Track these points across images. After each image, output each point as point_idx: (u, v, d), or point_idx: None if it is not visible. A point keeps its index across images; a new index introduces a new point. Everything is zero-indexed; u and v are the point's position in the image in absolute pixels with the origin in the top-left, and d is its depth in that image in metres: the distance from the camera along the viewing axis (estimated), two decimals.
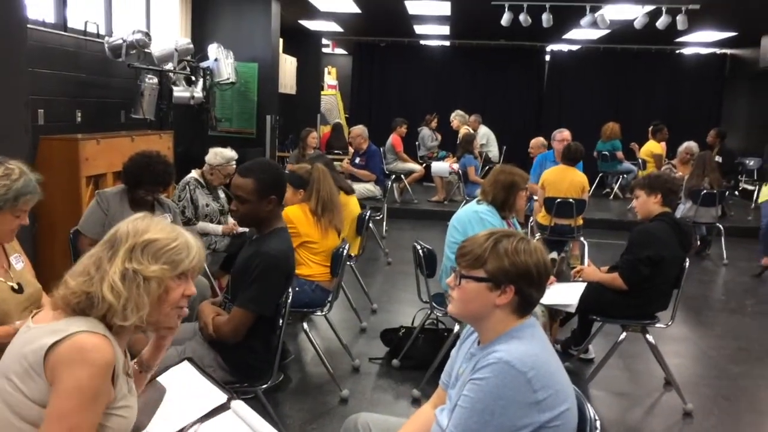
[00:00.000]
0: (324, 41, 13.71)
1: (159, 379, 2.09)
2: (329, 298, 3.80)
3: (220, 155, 4.72)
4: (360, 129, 7.77)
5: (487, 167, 9.49)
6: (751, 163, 10.60)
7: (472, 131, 9.67)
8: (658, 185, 3.73)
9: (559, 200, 5.94)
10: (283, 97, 9.67)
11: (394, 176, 9.32)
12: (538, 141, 8.09)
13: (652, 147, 9.46)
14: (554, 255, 6.03)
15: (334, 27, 11.45)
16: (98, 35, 5.94)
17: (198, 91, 7.03)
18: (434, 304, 3.82)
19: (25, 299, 2.30)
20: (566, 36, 10.90)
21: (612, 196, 10.55)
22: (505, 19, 8.49)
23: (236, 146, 4.98)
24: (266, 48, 8.33)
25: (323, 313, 3.78)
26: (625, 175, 10.37)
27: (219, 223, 4.72)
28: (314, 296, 3.74)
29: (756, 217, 8.46)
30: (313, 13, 9.84)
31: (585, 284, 3.72)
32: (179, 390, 2.04)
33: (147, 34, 5.90)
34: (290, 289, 2.75)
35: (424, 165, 10.06)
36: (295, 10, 9.60)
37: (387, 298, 5.41)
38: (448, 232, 3.88)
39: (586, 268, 3.88)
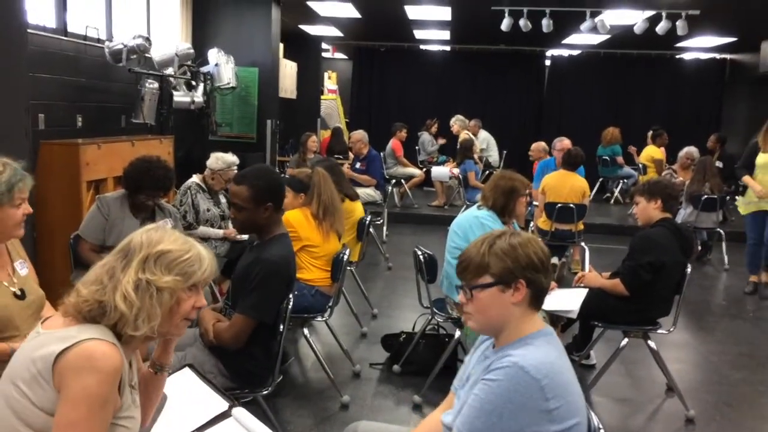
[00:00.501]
0: (324, 46, 13.73)
1: None
2: (330, 304, 3.79)
3: (222, 160, 4.71)
4: (360, 134, 7.77)
5: (488, 172, 9.50)
6: None
7: (472, 136, 9.67)
8: (658, 191, 3.72)
9: (559, 205, 5.93)
10: (283, 102, 9.68)
11: (394, 181, 9.32)
12: (539, 145, 8.09)
13: (653, 152, 9.46)
14: (555, 260, 6.03)
15: (334, 32, 11.47)
16: (99, 40, 5.94)
17: (198, 96, 7.03)
18: (435, 310, 3.81)
19: (28, 306, 2.29)
20: (566, 41, 10.91)
21: (612, 201, 10.55)
22: (505, 25, 8.50)
23: (237, 151, 4.98)
24: (266, 53, 8.33)
25: (324, 318, 3.77)
26: (625, 180, 10.38)
27: (219, 228, 4.71)
28: (314, 301, 3.73)
29: None
30: (314, 18, 9.85)
31: (586, 290, 3.71)
32: (181, 397, 2.04)
33: (147, 39, 5.91)
34: (291, 295, 2.74)
35: (424, 170, 10.06)
36: (296, 15, 9.62)
37: (387, 304, 5.40)
38: (448, 237, 3.87)
39: (587, 274, 3.87)
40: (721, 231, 7.09)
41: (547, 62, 12.74)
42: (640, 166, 9.56)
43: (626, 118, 11.71)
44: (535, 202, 6.24)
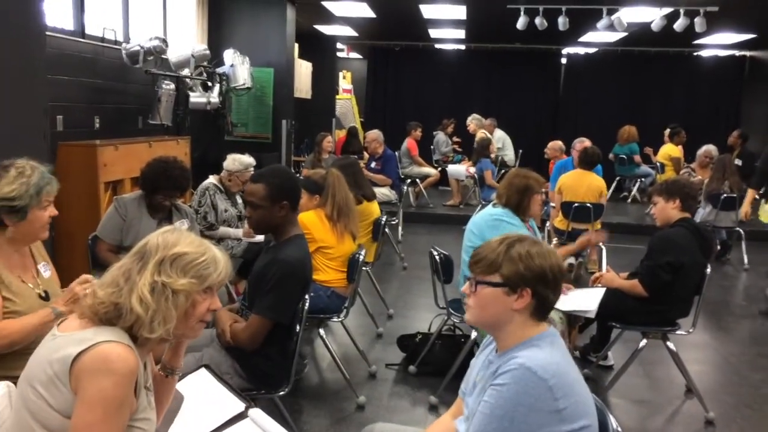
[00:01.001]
0: (339, 45, 13.74)
1: (177, 386, 2.10)
2: (345, 304, 3.79)
3: (239, 161, 4.73)
4: (376, 133, 7.77)
5: (503, 171, 9.45)
6: None
7: (489, 135, 9.63)
8: (676, 190, 3.68)
9: (576, 205, 5.88)
10: (298, 102, 9.70)
11: (409, 180, 9.31)
12: (555, 144, 8.05)
13: (670, 150, 9.36)
14: (572, 260, 5.99)
15: (349, 31, 11.47)
16: (116, 42, 5.99)
17: (214, 97, 7.07)
18: (451, 310, 3.80)
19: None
20: (582, 39, 10.84)
21: (630, 200, 10.46)
22: (521, 23, 8.45)
23: (252, 151, 5.00)
24: (282, 53, 8.36)
25: (340, 319, 3.77)
26: (642, 179, 10.28)
27: (237, 228, 4.73)
28: (330, 302, 3.73)
29: None
30: (329, 18, 9.86)
31: (604, 290, 3.68)
32: (197, 398, 2.04)
33: (164, 41, 5.95)
34: (307, 296, 2.74)
35: (439, 169, 10.04)
36: (311, 15, 9.63)
37: (403, 304, 5.39)
38: (465, 236, 3.86)
39: (605, 274, 3.83)
40: (741, 230, 7.00)
41: (563, 60, 12.65)
42: (658, 164, 9.46)
43: (643, 116, 11.60)
44: (551, 203, 6.20)
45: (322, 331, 3.74)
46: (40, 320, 2.17)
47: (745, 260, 6.98)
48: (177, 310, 1.56)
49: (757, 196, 6.29)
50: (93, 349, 1.46)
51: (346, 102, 13.46)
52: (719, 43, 10.90)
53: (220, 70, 7.33)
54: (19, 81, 3.57)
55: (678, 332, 3.65)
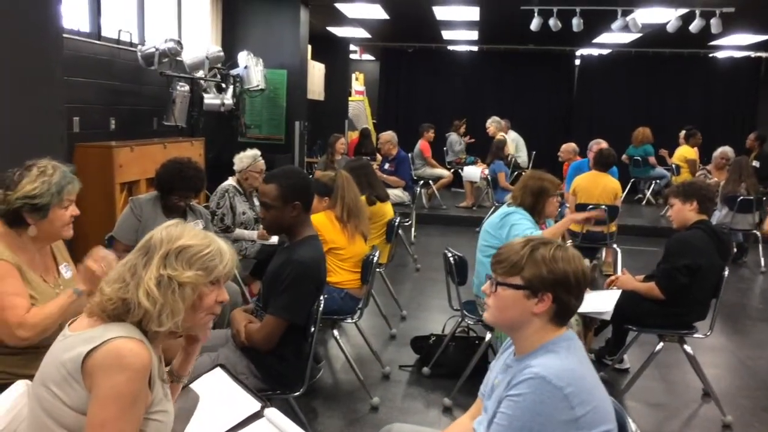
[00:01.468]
0: (352, 47, 13.76)
1: (192, 386, 2.10)
2: (359, 306, 3.79)
3: (245, 157, 4.76)
4: (389, 135, 7.77)
5: (516, 173, 9.42)
6: None
7: (505, 137, 9.59)
8: (693, 192, 3.64)
9: (591, 207, 5.84)
10: (311, 104, 9.73)
11: (422, 182, 9.29)
12: (569, 146, 8.01)
13: (686, 152, 9.29)
14: (586, 262, 5.95)
15: (362, 33, 11.49)
16: (131, 44, 6.03)
17: (228, 98, 7.10)
18: (465, 312, 3.78)
19: (72, 308, 2.32)
20: (597, 40, 10.78)
21: (644, 202, 10.39)
22: (535, 24, 8.43)
23: (265, 152, 5.01)
24: (295, 55, 8.39)
25: (353, 320, 3.77)
26: (657, 181, 10.21)
27: (253, 230, 4.74)
28: (343, 304, 3.73)
29: None
30: (342, 19, 9.88)
31: (619, 292, 3.66)
32: (213, 397, 2.04)
33: (179, 43, 5.98)
34: (321, 297, 2.74)
35: (452, 170, 10.02)
36: (324, 17, 9.66)
37: (416, 305, 5.38)
38: (480, 236, 3.85)
39: (621, 277, 3.80)
40: (758, 233, 6.93)
41: (577, 62, 12.59)
42: (673, 166, 9.39)
43: (658, 118, 11.52)
44: (566, 205, 6.17)
45: (335, 332, 3.74)
46: (64, 302, 2.19)
47: (762, 263, 6.91)
48: (184, 302, 1.57)
49: None
50: (104, 345, 1.47)
51: (358, 104, 13.48)
52: (735, 44, 10.80)
53: (233, 71, 7.37)
54: (37, 83, 3.60)
55: (695, 335, 3.61)
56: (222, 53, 6.91)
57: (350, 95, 13.56)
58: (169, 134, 6.33)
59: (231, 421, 1.90)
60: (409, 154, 8.74)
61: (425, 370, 4.00)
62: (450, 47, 12.69)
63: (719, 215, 6.81)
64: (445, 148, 10.67)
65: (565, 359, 1.64)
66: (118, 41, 5.86)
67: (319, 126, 10.71)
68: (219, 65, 7.02)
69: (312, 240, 2.77)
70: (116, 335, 1.48)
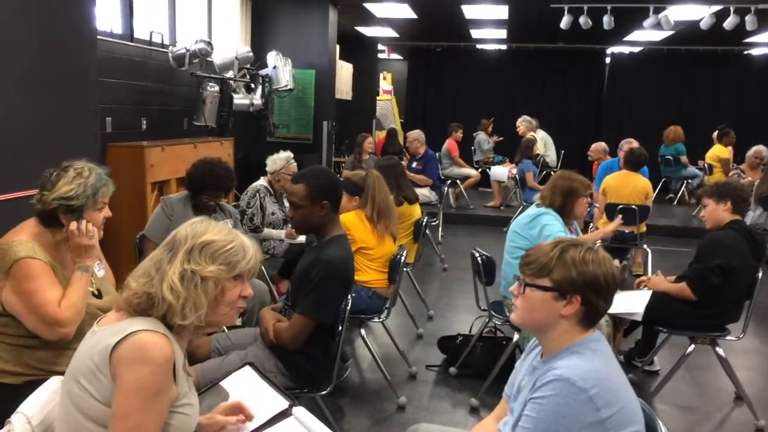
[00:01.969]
0: (380, 47, 13.77)
1: (222, 383, 2.13)
2: (386, 305, 3.80)
3: (278, 159, 4.80)
4: (417, 133, 7.76)
5: (544, 172, 9.34)
6: None
7: (535, 136, 9.52)
8: (728, 192, 3.58)
9: (621, 206, 5.77)
10: (339, 103, 9.76)
11: (449, 181, 9.27)
12: (599, 146, 7.92)
13: (719, 151, 9.12)
14: (616, 263, 5.88)
15: (389, 33, 11.49)
16: (163, 45, 6.12)
17: (257, 98, 7.16)
18: (493, 312, 3.77)
19: (105, 305, 2.37)
20: (628, 38, 10.64)
21: (676, 202, 10.22)
22: (565, 22, 8.34)
23: (293, 152, 5.05)
24: (323, 55, 8.42)
25: (381, 319, 3.78)
26: (689, 180, 10.04)
27: (281, 231, 4.78)
28: (371, 303, 3.74)
29: None
30: (370, 19, 9.90)
31: (650, 293, 3.61)
32: (242, 395, 2.06)
33: (209, 43, 6.05)
34: (349, 296, 2.75)
35: (479, 170, 9.97)
36: (352, 16, 9.68)
37: (443, 305, 5.37)
38: (508, 237, 3.83)
39: (653, 278, 3.75)
40: None
41: (608, 60, 12.42)
42: (706, 166, 9.23)
43: (691, 116, 11.33)
44: (595, 205, 6.10)
45: (363, 332, 3.75)
46: (78, 285, 2.24)
47: None
48: (207, 296, 1.59)
49: None
50: (129, 338, 1.49)
51: (386, 103, 13.49)
52: None
53: (262, 72, 7.43)
54: (72, 84, 3.67)
55: (727, 338, 3.55)
56: (251, 54, 6.97)
57: (378, 95, 13.57)
58: (199, 134, 6.41)
59: (259, 418, 1.93)
60: (437, 154, 8.72)
61: (452, 370, 3.99)
62: (478, 46, 12.62)
63: (753, 216, 6.67)
64: (472, 147, 10.62)
65: (590, 361, 1.63)
66: (150, 42, 5.94)
67: (347, 125, 10.75)
68: (248, 65, 7.08)
69: (340, 239, 2.79)
70: (140, 328, 1.52)
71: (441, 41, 12.41)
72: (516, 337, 3.62)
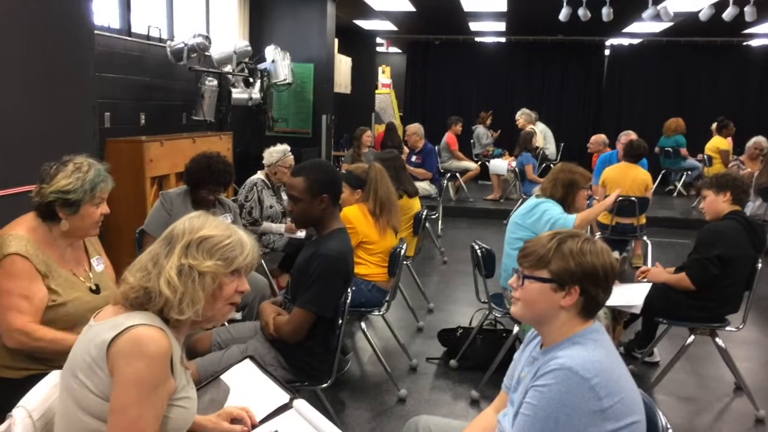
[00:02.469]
0: (378, 40, 13.74)
1: (222, 377, 2.13)
2: (386, 298, 3.80)
3: (275, 152, 4.80)
4: (416, 127, 7.76)
5: (544, 165, 9.34)
6: None
7: (534, 129, 9.51)
8: (727, 183, 3.58)
9: (620, 198, 5.77)
10: (338, 97, 9.74)
11: (449, 175, 9.27)
12: (598, 138, 7.91)
13: (718, 143, 9.11)
14: (616, 255, 5.89)
15: (388, 26, 11.47)
16: (161, 39, 6.10)
17: (256, 93, 7.15)
18: (493, 305, 3.77)
19: (102, 300, 2.36)
20: (627, 29, 10.61)
21: (675, 194, 10.23)
22: (564, 14, 8.31)
23: (292, 146, 5.04)
24: (322, 48, 8.41)
25: (381, 312, 3.78)
26: (689, 172, 10.04)
27: (280, 224, 4.78)
28: (371, 296, 3.75)
29: None
30: (368, 12, 9.87)
31: (650, 285, 3.61)
32: (242, 388, 2.07)
33: (207, 38, 6.03)
34: (349, 290, 2.75)
35: (479, 163, 9.97)
36: (351, 10, 9.66)
37: (444, 298, 5.38)
38: (508, 229, 3.83)
39: (652, 269, 3.75)
40: None
41: (607, 52, 12.40)
42: (705, 157, 9.22)
43: (690, 108, 11.33)
44: (594, 197, 6.10)
45: (363, 325, 3.76)
46: (67, 337, 2.15)
47: None
48: (204, 291, 1.59)
49: None
50: (126, 333, 1.49)
51: (385, 97, 13.46)
52: None
53: (261, 66, 7.41)
54: (70, 79, 3.66)
55: (727, 328, 3.55)
56: (249, 48, 6.96)
57: (377, 88, 13.55)
58: (197, 129, 6.40)
59: (261, 412, 1.93)
60: (436, 147, 8.72)
61: (452, 362, 4.00)
62: (477, 39, 12.59)
63: (753, 207, 6.67)
64: (472, 141, 10.62)
65: (592, 351, 1.63)
66: (147, 37, 5.93)
67: (346, 119, 10.73)
68: (246, 60, 7.07)
69: (340, 233, 2.78)
70: (137, 323, 1.52)
71: (440, 34, 12.38)
72: (516, 329, 3.63)
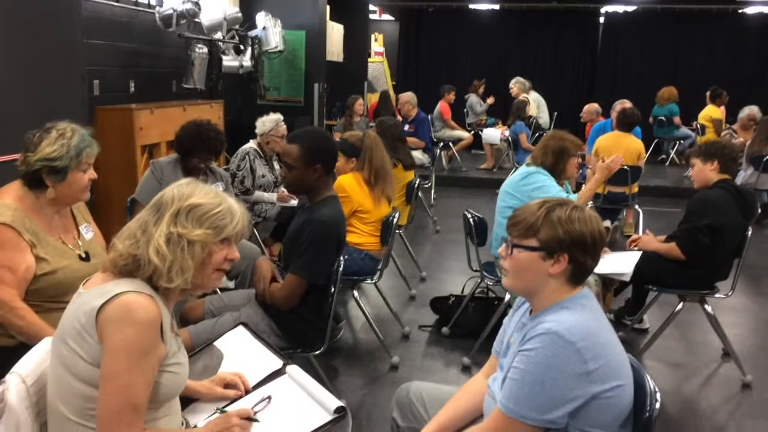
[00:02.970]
0: (371, 7, 13.54)
1: (216, 344, 2.15)
2: (379, 267, 3.81)
3: (267, 121, 4.77)
4: (409, 96, 7.71)
5: (537, 134, 9.31)
6: None
7: (527, 97, 9.46)
8: (715, 152, 3.57)
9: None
10: (330, 65, 9.64)
11: (442, 144, 9.23)
12: (591, 107, 7.88)
13: (711, 112, 9.10)
14: (608, 223, 5.91)
15: None
16: (149, 6, 6.00)
17: (247, 60, 7.06)
18: (485, 273, 3.79)
19: (92, 268, 2.36)
20: None
21: (668, 163, 10.24)
22: None
23: (284, 114, 5.00)
24: (313, 15, 8.29)
25: (373, 281, 3.80)
26: (682, 141, 10.04)
27: (272, 193, 4.77)
28: (363, 265, 3.76)
29: None
30: None
31: (640, 253, 3.63)
32: (236, 355, 2.09)
33: (197, 4, 5.92)
34: (341, 258, 2.76)
35: (472, 132, 9.93)
36: None
37: (436, 266, 5.40)
38: (499, 197, 3.83)
39: (643, 237, 3.77)
40: None
41: (601, 19, 12.29)
42: (698, 126, 9.22)
43: (684, 76, 11.28)
44: (588, 166, 6.10)
45: (356, 293, 3.78)
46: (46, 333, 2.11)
47: None
48: (193, 260, 1.59)
49: None
50: (115, 300, 1.50)
51: (378, 65, 13.31)
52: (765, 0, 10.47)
53: (252, 33, 7.31)
54: (58, 47, 3.61)
55: (716, 296, 3.59)
56: (240, 14, 6.85)
57: (369, 56, 13.40)
58: (188, 97, 6.33)
59: (254, 377, 1.95)
60: (429, 116, 8.66)
61: (445, 330, 4.04)
62: (471, 6, 12.44)
63: (744, 175, 6.70)
64: (465, 110, 10.56)
65: (579, 315, 1.65)
66: (136, 3, 5.82)
67: (339, 88, 10.62)
68: (237, 27, 6.96)
69: (331, 200, 2.78)
70: (126, 290, 1.52)
71: (433, 1, 12.22)
72: (507, 297, 3.66)
